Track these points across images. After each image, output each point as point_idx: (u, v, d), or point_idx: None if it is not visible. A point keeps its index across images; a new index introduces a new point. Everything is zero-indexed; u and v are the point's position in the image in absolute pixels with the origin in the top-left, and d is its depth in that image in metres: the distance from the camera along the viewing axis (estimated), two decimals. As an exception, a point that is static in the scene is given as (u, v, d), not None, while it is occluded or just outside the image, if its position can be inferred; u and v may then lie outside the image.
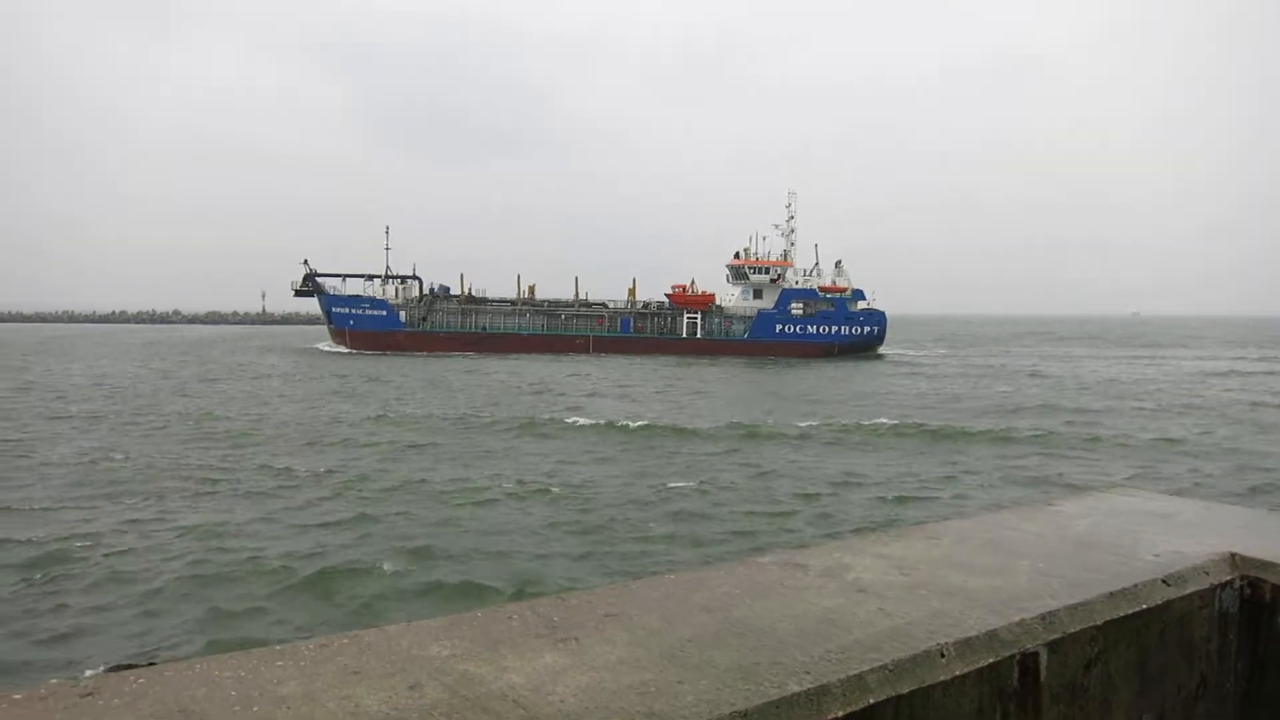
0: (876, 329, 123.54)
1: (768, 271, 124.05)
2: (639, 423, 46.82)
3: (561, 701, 3.23)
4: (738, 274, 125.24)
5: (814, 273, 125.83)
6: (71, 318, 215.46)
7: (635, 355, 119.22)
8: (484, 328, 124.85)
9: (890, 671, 3.57)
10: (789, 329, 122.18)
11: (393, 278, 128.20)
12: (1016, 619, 4.14)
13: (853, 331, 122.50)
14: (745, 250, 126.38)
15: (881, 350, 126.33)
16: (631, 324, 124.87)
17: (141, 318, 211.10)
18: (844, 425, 47.33)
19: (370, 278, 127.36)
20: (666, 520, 25.67)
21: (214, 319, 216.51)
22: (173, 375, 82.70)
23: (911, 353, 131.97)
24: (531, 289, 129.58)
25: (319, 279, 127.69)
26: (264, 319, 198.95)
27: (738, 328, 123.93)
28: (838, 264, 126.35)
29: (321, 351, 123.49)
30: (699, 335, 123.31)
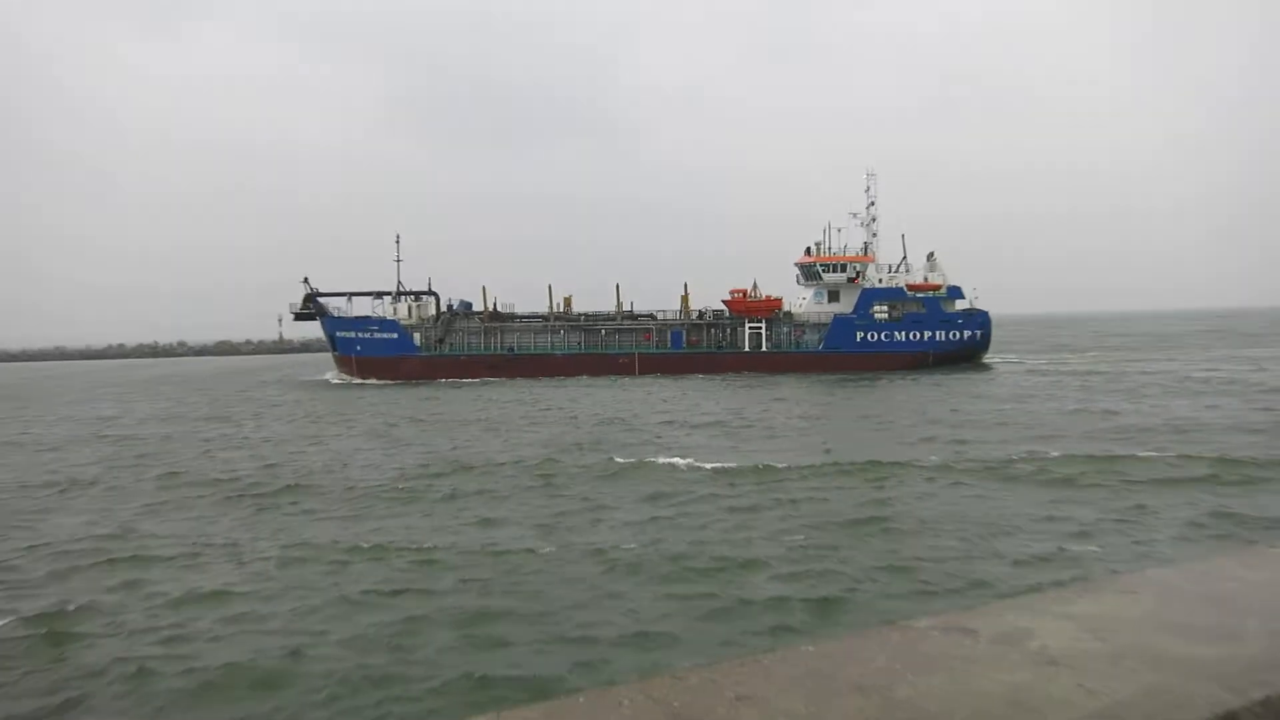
0: (979, 332, 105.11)
1: (844, 269, 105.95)
2: (747, 462, 38.27)
3: None
4: (809, 273, 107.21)
5: (901, 268, 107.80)
6: (63, 354, 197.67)
7: (689, 375, 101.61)
8: (511, 349, 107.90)
9: None
10: (872, 336, 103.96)
11: (405, 294, 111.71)
12: (1260, 696, 3.51)
13: (950, 336, 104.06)
14: (817, 245, 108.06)
15: (987, 358, 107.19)
16: (684, 337, 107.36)
17: (143, 351, 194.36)
18: (982, 456, 38.40)
19: (379, 295, 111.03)
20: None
21: (225, 350, 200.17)
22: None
23: (1028, 360, 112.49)
24: (567, 301, 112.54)
25: (321, 299, 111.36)
26: (281, 347, 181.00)
27: (811, 337, 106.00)
28: (930, 257, 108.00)
29: (328, 384, 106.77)
30: (764, 348, 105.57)
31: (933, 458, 37.77)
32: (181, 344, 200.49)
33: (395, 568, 23.53)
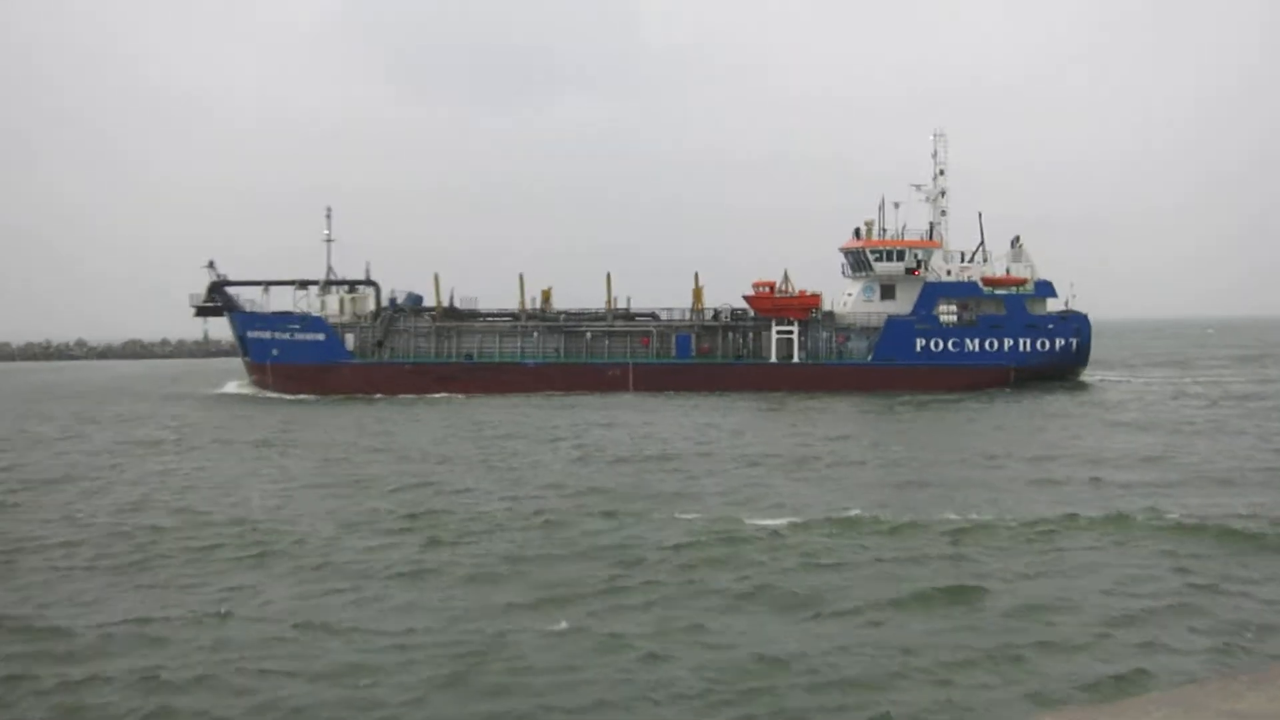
0: (1074, 341, 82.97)
1: (901, 256, 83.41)
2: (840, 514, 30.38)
3: None
4: (857, 262, 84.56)
5: (977, 257, 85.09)
6: None
7: (697, 392, 79.07)
8: (469, 355, 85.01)
9: None
10: (936, 345, 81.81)
11: (337, 284, 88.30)
12: None
13: (1037, 346, 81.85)
14: (867, 226, 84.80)
15: (1085, 376, 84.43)
16: (693, 343, 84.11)
17: (32, 352, 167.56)
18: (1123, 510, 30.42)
19: (304, 285, 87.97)
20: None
21: (133, 351, 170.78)
22: None
23: (1135, 378, 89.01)
24: (545, 295, 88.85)
25: (230, 289, 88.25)
26: (207, 349, 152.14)
27: (857, 345, 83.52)
28: (1014, 242, 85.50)
29: (225, 398, 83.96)
30: (796, 358, 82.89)
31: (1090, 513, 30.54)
32: (80, 344, 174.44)
33: None
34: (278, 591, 24.00)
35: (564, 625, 20.77)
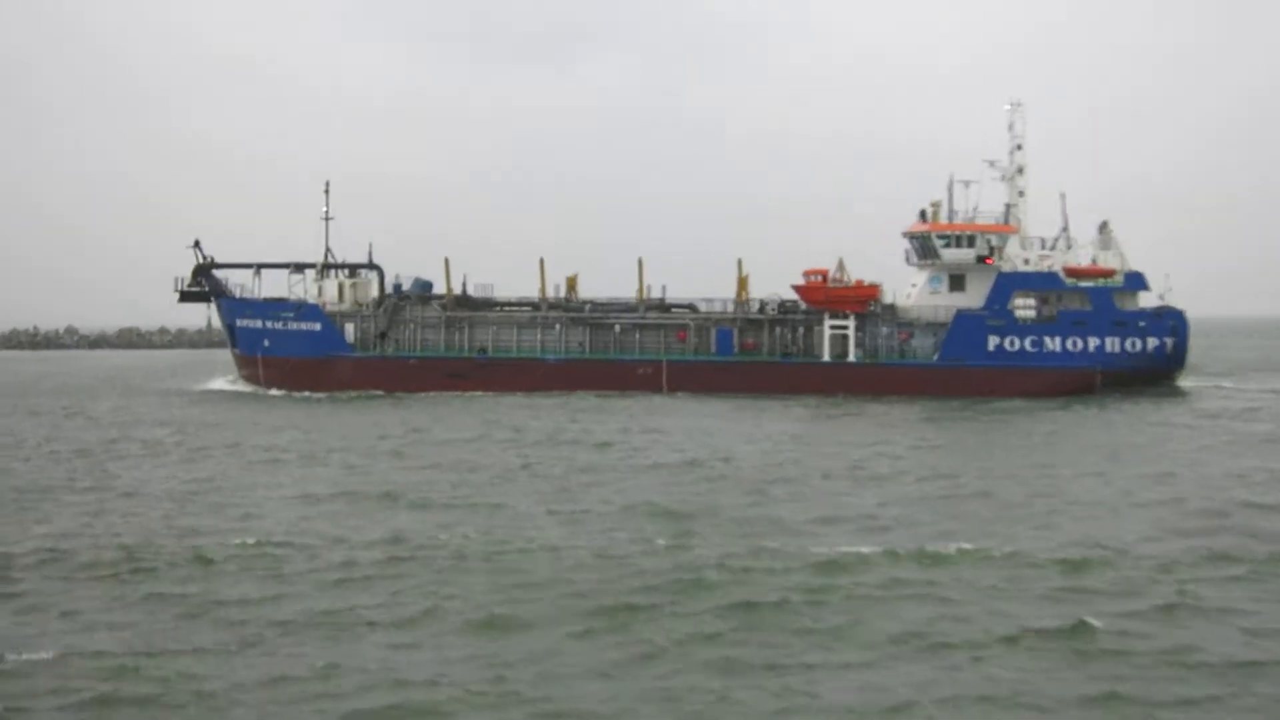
0: (1170, 342, 73.81)
1: (972, 242, 74.30)
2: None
3: None
4: (923, 249, 75.77)
5: (1060, 244, 76.42)
6: None
7: (741, 394, 71.17)
8: (483, 350, 76.23)
9: None
10: (1011, 343, 73.23)
11: (335, 268, 79.80)
12: None
13: (1128, 347, 72.75)
14: (934, 207, 75.61)
15: (1181, 381, 75.44)
16: (735, 339, 75.13)
17: (18, 339, 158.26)
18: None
19: (299, 268, 79.35)
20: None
21: (129, 340, 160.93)
22: None
23: (1247, 387, 79.64)
24: (571, 282, 79.94)
25: (218, 272, 79.75)
26: (210, 338, 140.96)
27: (922, 342, 74.99)
28: (1102, 228, 76.56)
29: (207, 397, 75.83)
30: (851, 356, 73.98)
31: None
32: (70, 331, 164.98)
33: None
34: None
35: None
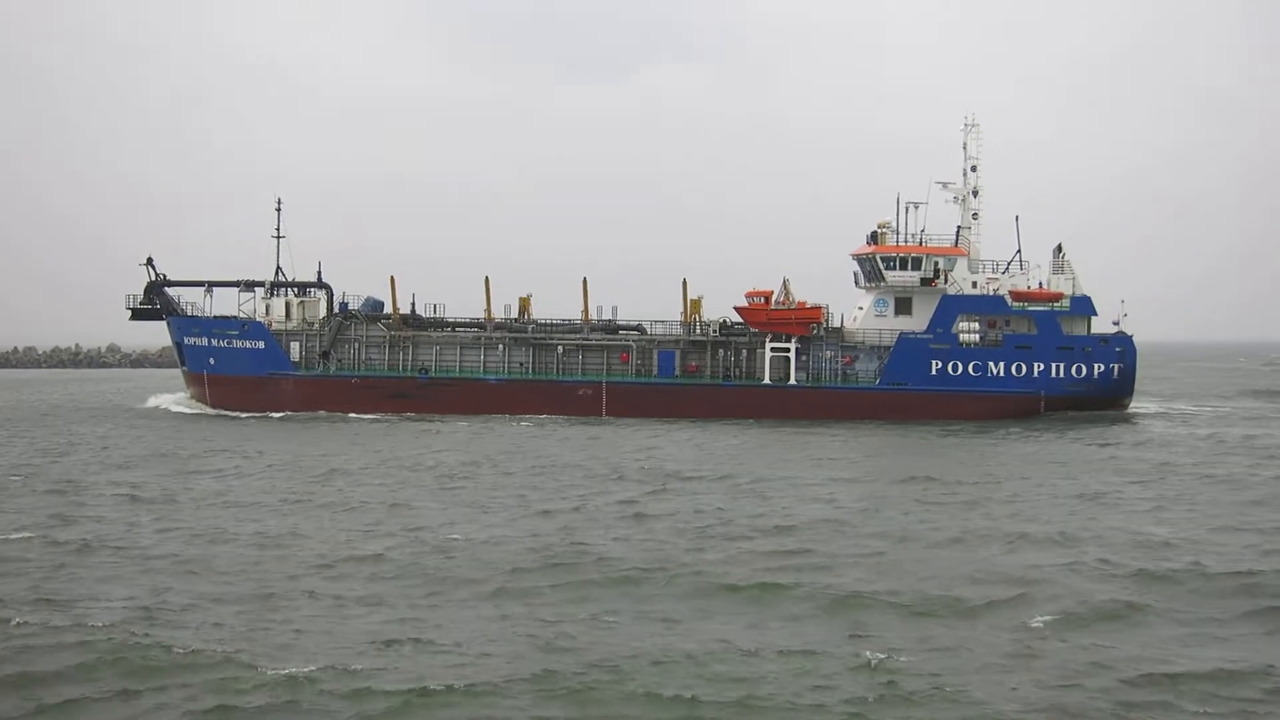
0: (1117, 368, 75.63)
1: (918, 265, 76.06)
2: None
3: None
4: (870, 271, 77.01)
5: (1014, 267, 79.19)
6: None
7: (679, 419, 73.57)
8: (425, 370, 78.14)
9: None
10: (954, 368, 75.30)
11: (285, 286, 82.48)
12: None
13: (1072, 372, 74.26)
14: (882, 229, 77.18)
15: (1133, 406, 77.93)
16: (677, 361, 77.02)
17: (59, 358, 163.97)
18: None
19: (249, 286, 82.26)
20: None
21: (60, 359, 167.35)
22: None
23: (1202, 411, 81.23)
24: (525, 303, 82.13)
25: (170, 289, 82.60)
26: (161, 358, 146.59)
27: (866, 366, 76.79)
28: (1057, 250, 79.17)
29: (155, 414, 78.66)
30: (793, 380, 75.91)
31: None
32: (112, 349, 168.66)
33: None
34: None
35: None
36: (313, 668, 20.51)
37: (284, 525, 35.20)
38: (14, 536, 32.58)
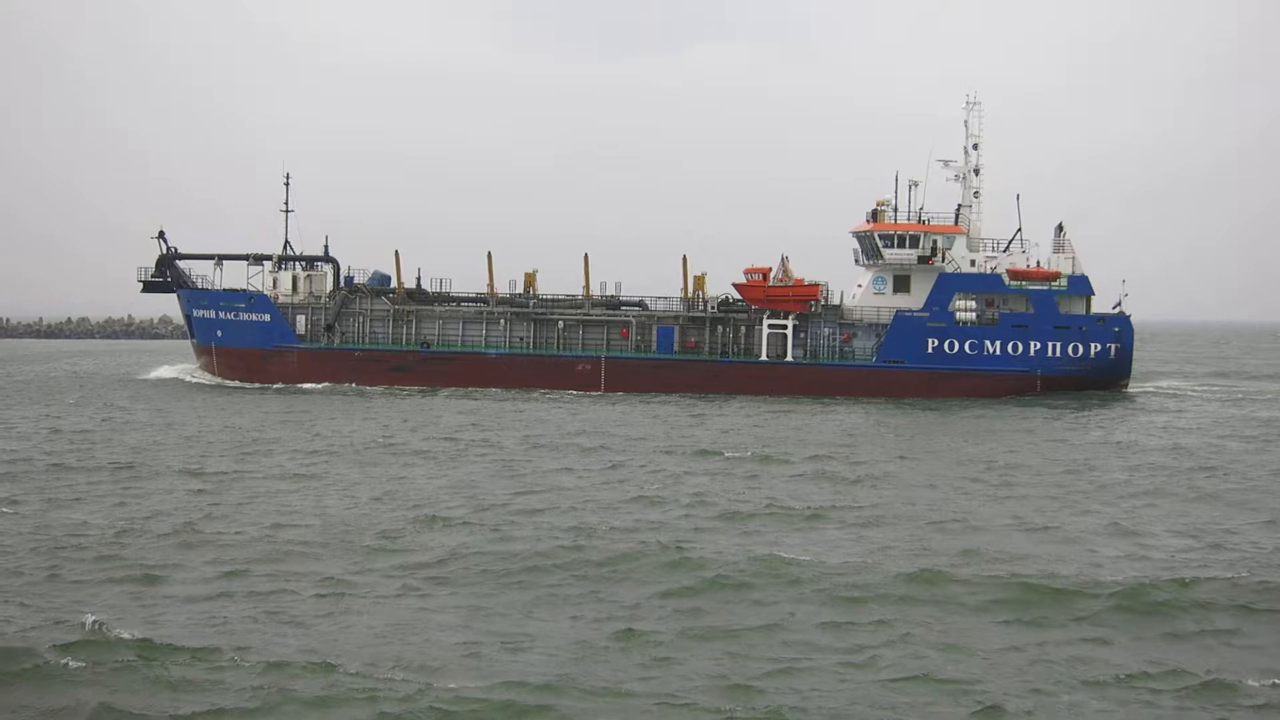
0: (1114, 347, 76.99)
1: (916, 243, 77.35)
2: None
3: None
4: (868, 248, 78.59)
5: (1014, 246, 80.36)
6: None
7: (679, 393, 75.83)
8: (426, 343, 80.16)
9: None
10: (950, 346, 76.69)
11: (292, 260, 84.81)
12: None
13: (1068, 351, 75.93)
14: (881, 206, 78.41)
15: (1130, 387, 79.40)
16: (676, 337, 78.70)
17: (112, 329, 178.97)
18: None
19: (258, 260, 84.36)
20: None
21: (72, 330, 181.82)
22: None
23: (1195, 389, 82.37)
24: (530, 279, 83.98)
25: (181, 263, 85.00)
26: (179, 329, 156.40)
27: (863, 343, 78.59)
28: (1058, 230, 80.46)
29: (153, 384, 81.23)
30: (790, 356, 77.25)
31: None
32: (164, 320, 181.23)
33: None
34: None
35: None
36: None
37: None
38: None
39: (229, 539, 29.20)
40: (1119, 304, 77.72)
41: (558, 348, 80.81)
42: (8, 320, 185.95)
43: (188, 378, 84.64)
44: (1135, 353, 78.91)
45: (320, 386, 77.99)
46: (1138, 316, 79.74)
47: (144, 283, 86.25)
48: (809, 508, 34.48)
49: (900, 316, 76.62)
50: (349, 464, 43.30)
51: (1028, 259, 78.38)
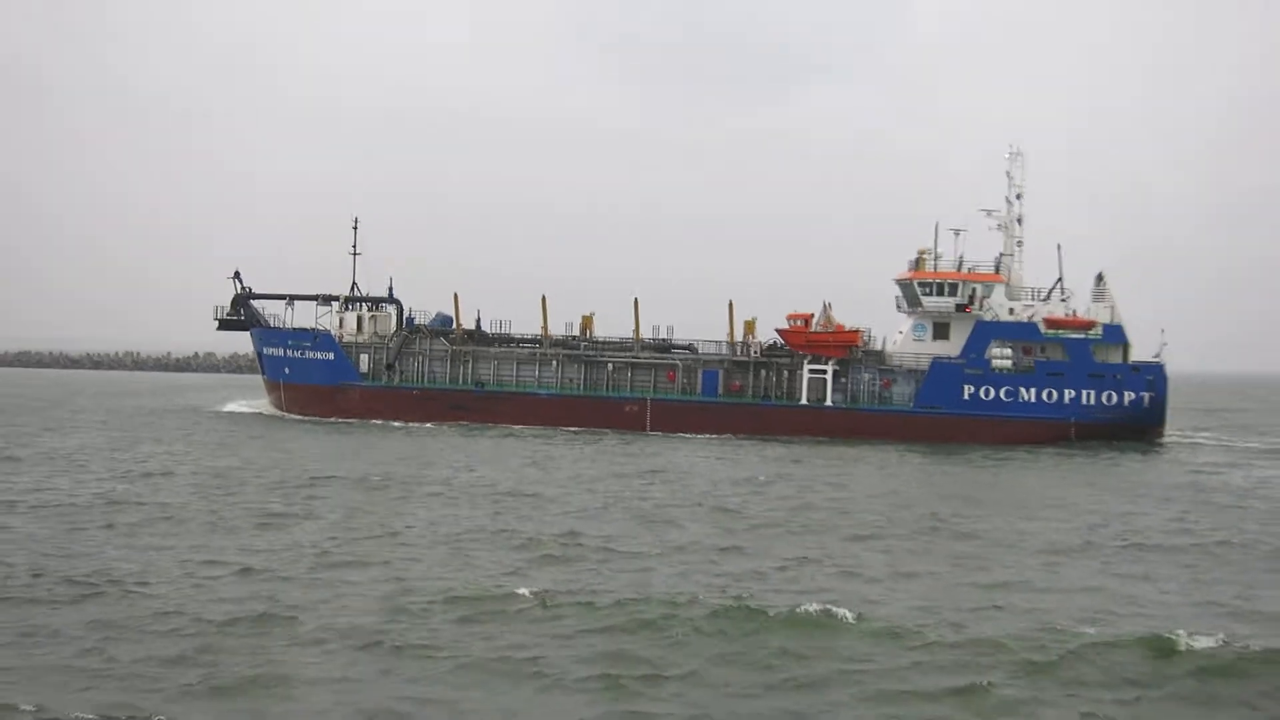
0: (1148, 396, 79.88)
1: (954, 291, 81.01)
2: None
3: None
4: (910, 296, 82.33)
5: (1054, 295, 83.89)
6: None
7: (720, 435, 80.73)
8: (481, 383, 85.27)
9: None
10: (986, 392, 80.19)
11: (359, 301, 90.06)
12: None
13: (1103, 399, 79.21)
14: (923, 255, 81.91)
15: (1166, 435, 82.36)
16: (721, 380, 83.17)
17: (38, 359, 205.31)
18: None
19: (326, 300, 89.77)
20: None
21: (209, 364, 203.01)
22: None
23: (1232, 440, 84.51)
24: (586, 321, 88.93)
25: (255, 302, 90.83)
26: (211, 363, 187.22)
27: (902, 389, 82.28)
28: (1099, 280, 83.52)
29: (219, 416, 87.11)
30: (829, 401, 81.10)
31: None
32: (88, 356, 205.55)
33: None
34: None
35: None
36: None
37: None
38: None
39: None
40: (1158, 353, 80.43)
41: (607, 389, 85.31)
42: (139, 354, 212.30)
43: (262, 411, 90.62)
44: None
45: (383, 422, 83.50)
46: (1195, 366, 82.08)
47: (220, 321, 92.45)
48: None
49: (937, 363, 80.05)
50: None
51: (1067, 308, 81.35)
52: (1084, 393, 78.63)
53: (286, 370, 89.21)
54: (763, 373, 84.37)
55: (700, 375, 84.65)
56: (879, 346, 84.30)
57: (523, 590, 28.51)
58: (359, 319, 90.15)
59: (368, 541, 35.70)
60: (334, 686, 21.74)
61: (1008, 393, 79.37)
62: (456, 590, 28.70)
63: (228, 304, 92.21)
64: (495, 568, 32.19)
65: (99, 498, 43.47)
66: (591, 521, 40.82)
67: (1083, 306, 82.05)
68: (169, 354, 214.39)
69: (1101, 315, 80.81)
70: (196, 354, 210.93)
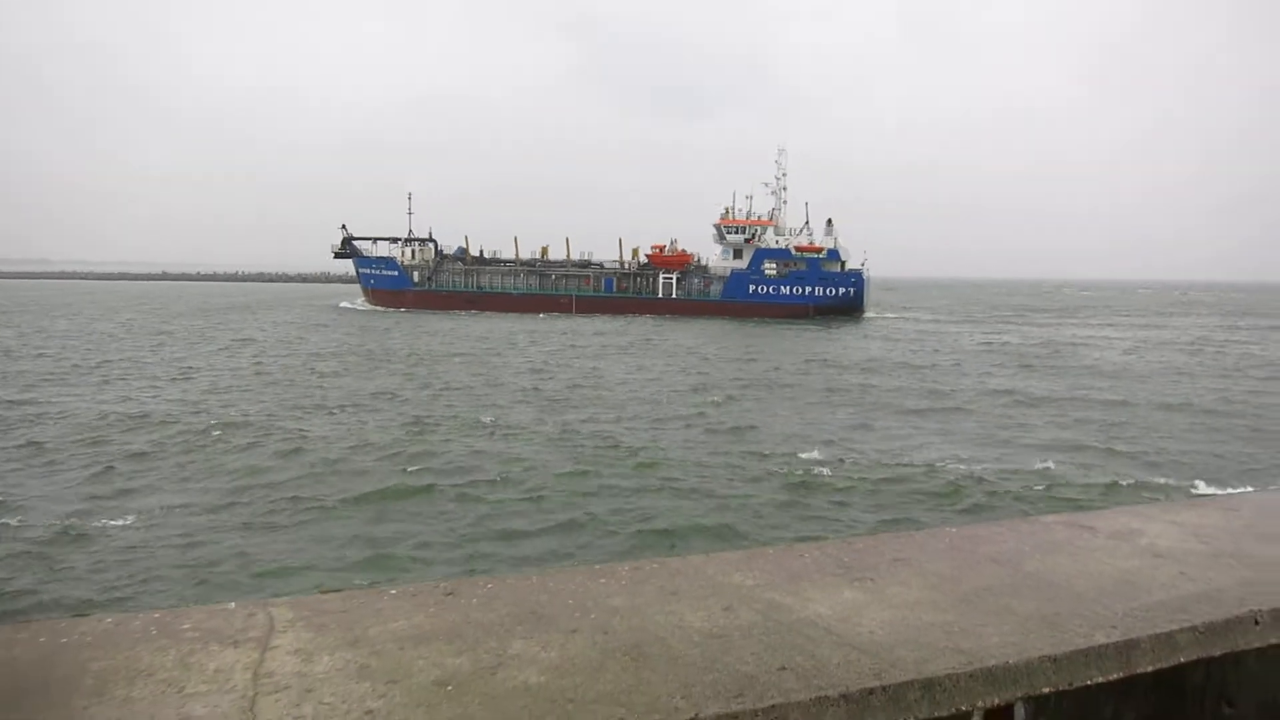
0: (852, 290, 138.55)
1: (743, 231, 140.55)
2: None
3: (870, 633, 3.62)
4: (720, 234, 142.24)
5: (803, 232, 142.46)
6: (122, 274, 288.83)
7: (616, 315, 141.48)
8: (481, 287, 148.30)
9: (1200, 633, 3.72)
10: (761, 289, 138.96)
11: (411, 240, 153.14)
12: None
13: (827, 293, 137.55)
14: (728, 209, 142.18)
15: (870, 314, 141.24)
16: (615, 284, 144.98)
17: (196, 274, 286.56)
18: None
19: (395, 240, 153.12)
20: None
21: (268, 277, 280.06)
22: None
23: (913, 317, 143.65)
24: (544, 251, 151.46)
25: (355, 243, 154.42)
26: (329, 277, 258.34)
27: (716, 288, 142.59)
28: (829, 223, 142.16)
29: (343, 310, 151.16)
30: (675, 295, 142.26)
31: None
32: (240, 272, 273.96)
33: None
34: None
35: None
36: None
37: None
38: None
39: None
40: (862, 264, 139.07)
41: (552, 289, 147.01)
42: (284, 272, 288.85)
43: (360, 306, 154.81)
44: (872, 295, 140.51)
45: (429, 311, 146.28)
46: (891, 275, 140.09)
47: (335, 253, 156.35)
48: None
49: (735, 273, 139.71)
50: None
51: (809, 239, 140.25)
52: (817, 289, 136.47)
53: (372, 282, 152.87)
54: (638, 279, 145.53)
55: (604, 281, 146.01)
56: (704, 263, 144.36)
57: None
58: (412, 250, 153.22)
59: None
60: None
61: (774, 290, 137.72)
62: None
63: (338, 243, 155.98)
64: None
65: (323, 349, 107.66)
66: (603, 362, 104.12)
67: (820, 239, 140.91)
68: (299, 273, 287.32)
69: (828, 244, 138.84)
70: (325, 272, 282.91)
